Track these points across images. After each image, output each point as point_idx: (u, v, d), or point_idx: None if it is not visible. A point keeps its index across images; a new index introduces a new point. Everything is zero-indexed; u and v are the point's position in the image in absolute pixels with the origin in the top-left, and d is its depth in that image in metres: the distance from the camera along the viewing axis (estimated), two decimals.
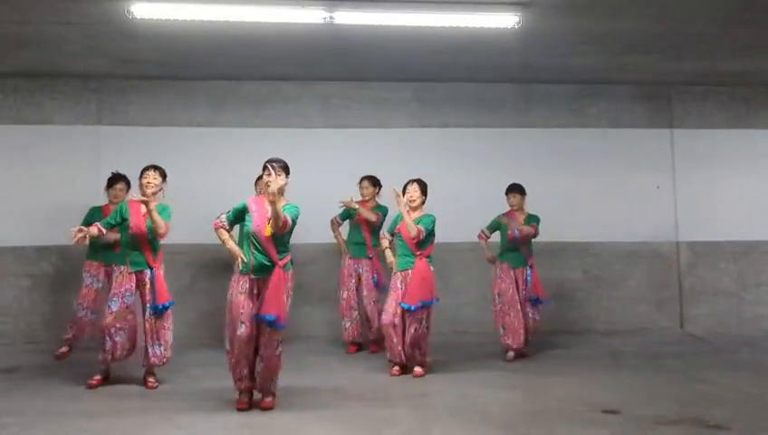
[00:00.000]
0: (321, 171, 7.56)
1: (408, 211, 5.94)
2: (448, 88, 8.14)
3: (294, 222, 4.85)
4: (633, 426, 4.53)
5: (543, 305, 6.71)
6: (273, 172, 4.75)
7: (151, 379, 5.59)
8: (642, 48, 6.81)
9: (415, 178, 6.11)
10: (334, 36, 6.30)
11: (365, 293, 6.92)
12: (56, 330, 7.37)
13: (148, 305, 5.51)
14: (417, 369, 5.90)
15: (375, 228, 6.92)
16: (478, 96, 8.20)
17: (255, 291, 4.86)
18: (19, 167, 7.55)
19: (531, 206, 6.81)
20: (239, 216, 4.97)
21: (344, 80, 7.96)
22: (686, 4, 5.63)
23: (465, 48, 6.72)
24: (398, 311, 5.88)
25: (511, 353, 6.56)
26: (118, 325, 5.42)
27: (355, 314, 6.94)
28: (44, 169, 7.54)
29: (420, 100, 8.14)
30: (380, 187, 7.08)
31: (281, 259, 4.85)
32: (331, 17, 5.62)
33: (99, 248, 6.46)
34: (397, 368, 5.93)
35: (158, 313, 5.50)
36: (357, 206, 6.89)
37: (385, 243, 6.20)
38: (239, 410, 4.87)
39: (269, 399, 4.94)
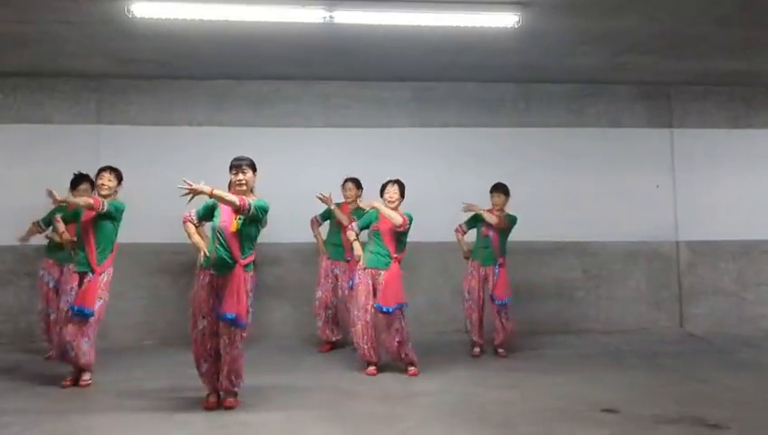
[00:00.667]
0: (320, 170, 7.57)
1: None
2: (448, 87, 8.14)
3: (260, 215, 4.81)
4: (632, 425, 4.53)
5: (506, 305, 6.63)
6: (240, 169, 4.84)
7: (85, 376, 5.51)
8: (642, 48, 6.81)
9: (394, 178, 6.08)
10: (334, 36, 6.30)
11: (340, 294, 6.90)
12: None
13: (71, 305, 5.37)
14: (412, 369, 5.89)
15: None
16: (478, 96, 8.20)
17: (215, 286, 4.85)
18: (19, 166, 7.57)
19: (531, 205, 6.83)
20: (209, 212, 4.96)
21: (344, 79, 7.96)
22: (685, 3, 5.64)
23: (464, 48, 6.72)
24: (370, 309, 5.85)
25: (477, 349, 6.62)
26: (62, 326, 5.41)
27: (329, 313, 6.93)
28: (44, 169, 7.53)
29: (420, 99, 8.14)
30: (362, 190, 7.03)
31: (243, 258, 4.84)
32: (330, 17, 5.63)
33: (54, 247, 6.50)
34: (372, 367, 5.91)
35: (76, 315, 5.34)
36: (332, 206, 6.88)
37: (352, 235, 6.05)
38: (205, 408, 4.86)
39: (231, 399, 4.92)
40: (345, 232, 6.78)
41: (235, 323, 4.75)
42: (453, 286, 7.59)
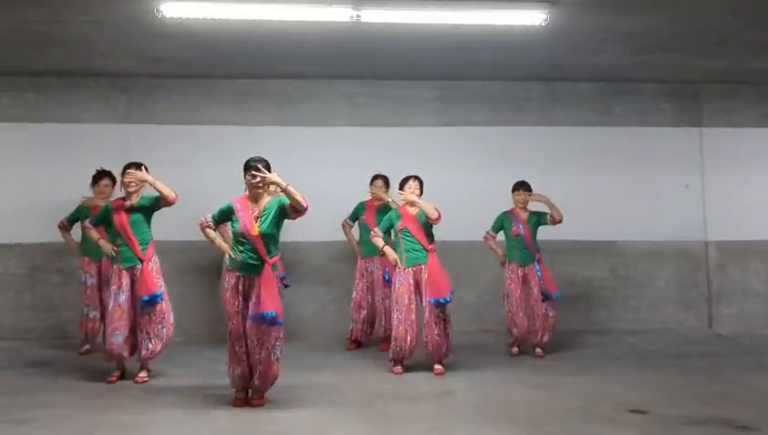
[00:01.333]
0: (343, 169, 7.59)
1: (410, 203, 5.92)
2: (473, 86, 8.11)
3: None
4: (659, 426, 4.50)
5: (557, 300, 6.63)
6: (259, 171, 4.82)
7: (142, 373, 5.61)
8: (669, 45, 6.73)
9: (413, 174, 6.08)
10: (359, 34, 6.31)
11: (377, 291, 6.92)
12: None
13: (138, 299, 5.51)
14: (439, 367, 5.89)
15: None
16: (503, 94, 8.16)
17: (241, 288, 4.87)
18: (48, 164, 7.67)
19: (558, 204, 6.78)
20: (225, 216, 4.99)
21: (368, 78, 7.97)
22: (713, 0, 5.56)
23: (490, 46, 6.70)
24: (414, 308, 5.84)
25: (515, 349, 6.61)
26: (113, 326, 5.49)
27: (363, 313, 6.95)
28: (74, 167, 7.62)
29: (444, 98, 8.13)
30: (389, 187, 7.06)
31: (271, 257, 4.88)
32: (357, 16, 5.63)
33: (90, 245, 6.55)
34: (400, 367, 5.92)
35: (146, 305, 5.49)
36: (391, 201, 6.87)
37: (380, 242, 6.03)
38: (234, 406, 4.89)
39: (260, 397, 4.95)
40: (370, 228, 6.86)
41: (274, 321, 4.76)
42: (478, 285, 7.58)
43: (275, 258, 4.96)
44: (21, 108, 7.74)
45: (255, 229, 4.84)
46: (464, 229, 6.94)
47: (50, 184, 7.58)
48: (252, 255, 4.85)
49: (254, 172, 4.82)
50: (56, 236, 7.54)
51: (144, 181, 5.51)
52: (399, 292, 5.89)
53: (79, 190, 7.54)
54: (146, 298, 5.46)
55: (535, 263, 6.59)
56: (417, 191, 5.99)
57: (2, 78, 7.66)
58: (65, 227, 6.81)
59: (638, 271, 8.12)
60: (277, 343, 4.85)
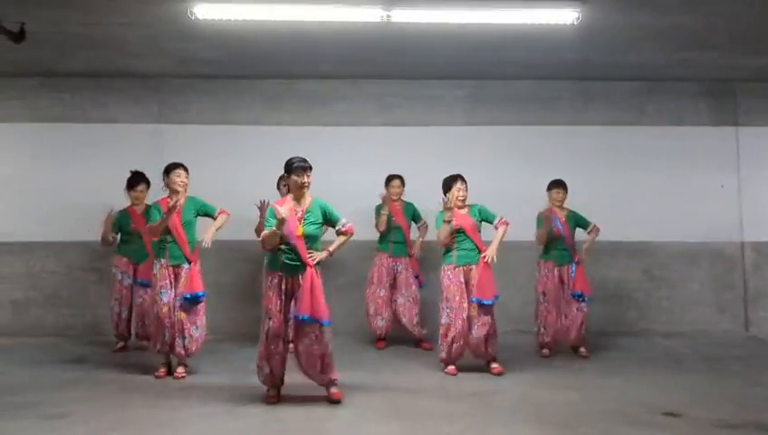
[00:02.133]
0: (373, 169, 7.59)
1: (456, 207, 5.90)
2: (504, 85, 8.07)
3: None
4: (694, 429, 4.44)
5: (586, 303, 6.55)
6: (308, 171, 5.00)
7: (180, 369, 5.74)
8: (704, 43, 6.62)
9: (455, 173, 6.05)
10: (389, 34, 6.31)
11: (403, 290, 6.93)
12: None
13: (179, 297, 5.63)
14: (496, 365, 5.86)
15: (410, 226, 7.08)
16: (534, 93, 8.10)
17: (284, 288, 4.92)
18: (84, 164, 7.81)
19: (589, 205, 6.74)
20: (270, 222, 5.00)
21: (398, 78, 7.97)
22: None
23: (522, 45, 6.66)
24: (465, 307, 5.81)
25: (546, 350, 6.57)
26: (163, 322, 5.62)
27: (389, 311, 6.95)
28: (108, 167, 7.76)
29: (475, 97, 8.10)
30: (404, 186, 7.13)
31: (312, 259, 4.92)
32: (388, 16, 5.64)
33: (128, 244, 6.76)
34: (453, 367, 5.90)
35: (188, 303, 5.62)
36: (386, 208, 6.94)
37: (446, 230, 5.82)
38: (269, 403, 4.94)
39: (336, 389, 5.01)
40: (406, 229, 7.01)
41: (321, 322, 4.84)
42: (511, 286, 7.51)
43: (322, 256, 4.99)
44: (58, 108, 7.90)
45: (299, 230, 4.89)
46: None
47: (86, 183, 7.73)
48: (292, 256, 4.90)
49: (296, 176, 4.92)
50: (93, 235, 7.69)
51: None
52: (450, 290, 5.84)
53: (114, 190, 7.66)
54: (189, 296, 5.59)
55: (572, 264, 6.54)
56: (465, 193, 5.97)
57: (40, 79, 7.82)
58: (113, 238, 6.83)
59: (672, 272, 8.00)
60: (329, 340, 4.94)
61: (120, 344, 6.88)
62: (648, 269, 7.98)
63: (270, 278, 4.95)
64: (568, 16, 5.68)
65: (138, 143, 7.84)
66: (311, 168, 5.01)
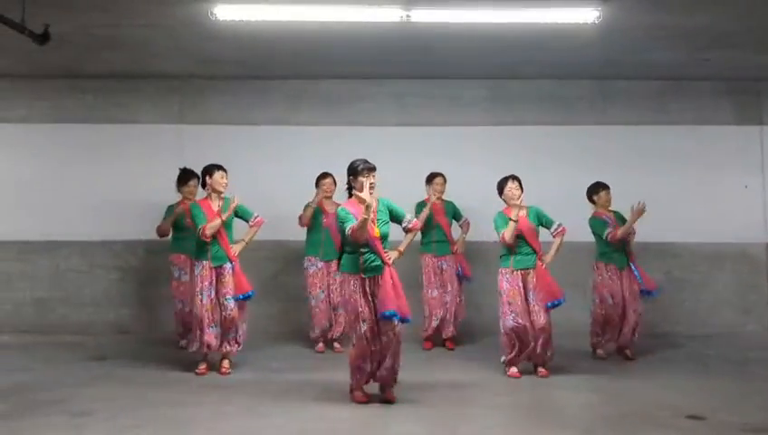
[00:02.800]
0: (394, 169, 7.52)
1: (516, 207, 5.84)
2: (524, 85, 8.03)
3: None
4: (718, 433, 4.39)
5: (653, 296, 6.60)
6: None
7: (225, 363, 5.86)
8: (728, 42, 6.54)
9: (509, 174, 5.98)
10: (409, 34, 6.31)
11: (448, 288, 6.91)
12: (143, 321, 7.73)
13: (227, 296, 5.73)
14: (543, 369, 5.82)
15: (451, 224, 7.02)
16: (555, 93, 8.05)
17: (368, 289, 4.94)
18: (107, 164, 7.89)
19: (612, 205, 6.68)
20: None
21: (418, 77, 7.96)
22: None
23: (542, 44, 6.62)
24: (528, 310, 5.73)
25: (601, 351, 6.54)
26: (209, 318, 5.70)
27: (440, 312, 6.92)
28: (130, 167, 7.86)
29: (495, 97, 8.06)
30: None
31: (389, 257, 4.95)
32: (407, 15, 5.63)
33: (184, 241, 6.75)
34: (517, 369, 5.82)
35: (238, 303, 5.77)
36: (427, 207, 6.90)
37: (511, 229, 5.73)
38: (360, 403, 4.97)
39: (392, 390, 5.05)
40: (447, 227, 6.98)
41: (402, 319, 4.87)
42: None
43: (395, 256, 5.03)
44: (81, 109, 7.98)
45: (376, 231, 4.93)
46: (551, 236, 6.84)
47: (109, 183, 7.82)
48: (373, 256, 4.93)
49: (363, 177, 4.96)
50: (115, 235, 7.80)
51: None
52: (511, 295, 5.77)
53: (137, 189, 7.76)
54: (240, 296, 5.75)
55: (631, 264, 6.51)
56: (519, 192, 5.87)
57: (64, 80, 7.92)
58: (167, 228, 6.91)
59: (696, 273, 7.91)
60: (400, 338, 4.99)
61: (186, 341, 6.76)
62: (671, 270, 7.89)
63: (351, 282, 4.96)
64: (588, 15, 5.63)
65: (159, 143, 7.91)
66: (375, 168, 5.03)
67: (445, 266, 6.95)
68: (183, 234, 6.80)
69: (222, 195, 5.90)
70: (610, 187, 6.67)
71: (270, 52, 6.97)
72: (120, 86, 7.98)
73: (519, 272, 5.81)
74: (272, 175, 7.61)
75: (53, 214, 7.81)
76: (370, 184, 4.93)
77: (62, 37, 6.07)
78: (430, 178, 7.06)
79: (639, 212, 6.35)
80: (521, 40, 6.45)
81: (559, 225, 5.92)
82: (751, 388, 5.48)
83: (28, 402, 5.01)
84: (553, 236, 5.93)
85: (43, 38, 5.75)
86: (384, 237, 5.00)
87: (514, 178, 5.94)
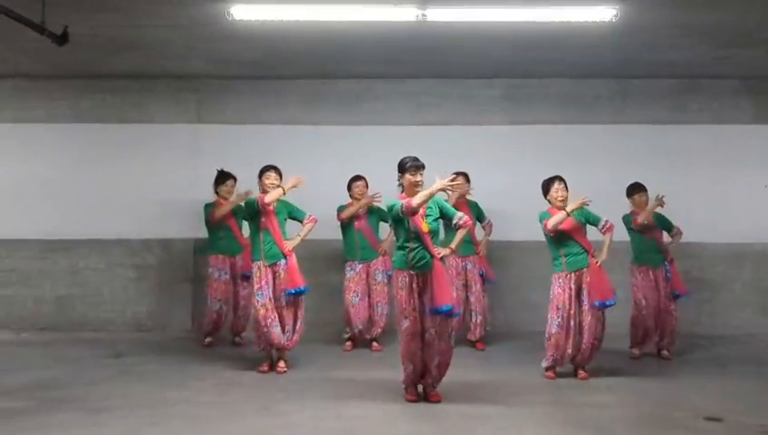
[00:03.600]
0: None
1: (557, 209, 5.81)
2: (541, 84, 7.99)
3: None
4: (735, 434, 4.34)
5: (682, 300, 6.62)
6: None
7: (281, 363, 5.89)
8: (747, 40, 6.47)
9: (554, 175, 5.93)
10: (425, 34, 6.30)
11: (473, 288, 6.90)
12: (160, 319, 7.80)
13: (283, 292, 5.77)
14: (583, 372, 5.77)
15: (476, 225, 6.93)
16: (572, 92, 8.01)
17: (416, 286, 4.94)
18: (125, 164, 7.96)
19: (628, 204, 6.64)
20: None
21: (434, 77, 7.95)
22: None
23: (559, 43, 6.59)
24: (575, 314, 5.67)
25: (636, 351, 6.56)
26: (271, 316, 5.74)
27: (460, 310, 6.89)
28: (148, 166, 7.92)
29: (512, 96, 8.03)
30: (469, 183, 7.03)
31: (438, 252, 4.97)
32: (423, 15, 5.63)
33: (221, 241, 6.86)
34: (553, 372, 5.79)
35: (292, 298, 5.78)
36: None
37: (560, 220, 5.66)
38: (409, 401, 4.98)
39: (438, 394, 5.05)
40: (471, 228, 6.82)
41: (452, 313, 4.88)
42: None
43: (446, 252, 5.07)
44: (98, 109, 8.05)
45: (425, 226, 4.94)
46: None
47: (126, 182, 7.89)
48: (424, 252, 4.93)
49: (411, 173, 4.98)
50: (132, 233, 7.87)
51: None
52: (561, 300, 5.71)
53: (154, 188, 7.82)
54: (293, 291, 5.75)
55: (665, 264, 6.51)
56: (566, 193, 5.81)
57: (81, 81, 7.99)
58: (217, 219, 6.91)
59: (714, 274, 7.84)
60: (452, 332, 5.00)
61: (210, 340, 6.99)
62: (689, 270, 7.79)
63: (400, 278, 4.97)
64: (606, 14, 5.61)
65: (176, 143, 7.97)
66: (423, 166, 5.03)
67: (469, 267, 6.93)
68: (220, 234, 6.91)
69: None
70: (624, 186, 6.67)
71: (286, 51, 7.00)
72: (137, 86, 8.04)
73: (572, 274, 5.72)
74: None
75: (72, 212, 7.89)
76: (416, 182, 4.98)
77: (80, 38, 6.13)
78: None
79: (659, 202, 6.38)
80: (537, 39, 6.43)
81: (606, 221, 5.82)
82: None
83: (46, 399, 5.06)
84: (603, 233, 5.81)
85: (62, 39, 5.82)
86: (433, 233, 5.00)
87: (560, 178, 5.87)
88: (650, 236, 6.52)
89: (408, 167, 5.00)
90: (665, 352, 6.53)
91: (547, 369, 5.80)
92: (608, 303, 5.65)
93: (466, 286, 6.92)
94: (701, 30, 6.21)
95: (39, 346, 7.03)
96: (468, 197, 7.00)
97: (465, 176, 6.98)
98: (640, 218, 6.40)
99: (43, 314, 7.85)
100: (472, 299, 6.89)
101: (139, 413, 4.74)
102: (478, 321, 6.88)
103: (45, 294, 7.89)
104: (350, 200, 6.92)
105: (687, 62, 7.25)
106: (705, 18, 5.90)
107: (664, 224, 6.64)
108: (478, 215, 7.05)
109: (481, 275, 6.93)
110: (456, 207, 6.82)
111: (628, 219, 6.57)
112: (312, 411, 4.80)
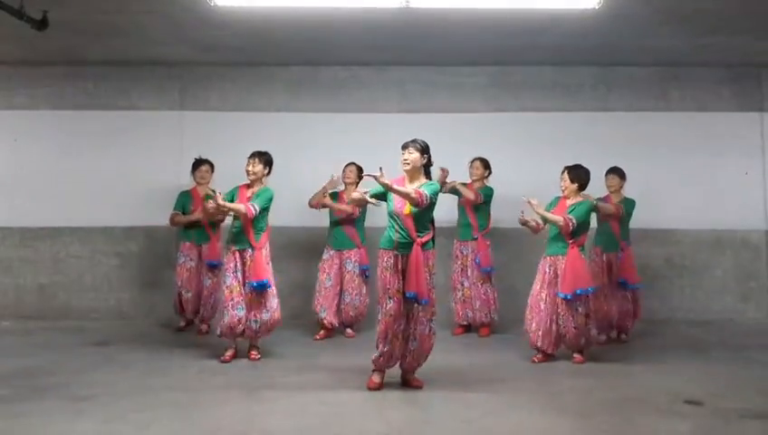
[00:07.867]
0: (394, 156, 7.53)
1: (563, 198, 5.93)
2: (525, 72, 8.00)
3: (432, 199, 4.91)
4: (717, 419, 4.40)
5: (636, 290, 6.65)
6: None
7: (253, 352, 5.88)
8: (729, 28, 6.50)
9: (569, 164, 5.98)
10: (410, 21, 6.28)
11: (468, 273, 6.92)
12: (143, 307, 7.76)
13: (246, 282, 5.74)
14: (578, 356, 5.82)
15: (479, 209, 6.95)
16: (556, 80, 8.03)
17: (400, 267, 4.94)
18: (108, 151, 7.89)
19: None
20: (382, 194, 5.04)
21: (420, 64, 7.93)
22: None
23: (543, 31, 6.59)
24: (545, 297, 5.78)
25: (601, 336, 6.54)
26: (236, 299, 5.71)
27: (459, 295, 6.96)
28: (131, 154, 7.87)
29: (497, 84, 8.03)
30: (490, 171, 7.06)
31: (420, 237, 4.93)
32: (407, 1, 5.61)
33: (190, 231, 6.93)
34: (540, 355, 5.84)
35: (255, 290, 5.73)
36: (458, 185, 6.89)
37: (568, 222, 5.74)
38: (371, 389, 4.96)
39: (415, 377, 5.07)
40: (471, 211, 6.95)
41: (417, 300, 4.86)
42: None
43: (426, 238, 4.97)
44: (82, 96, 7.97)
45: (407, 209, 4.93)
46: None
47: (109, 169, 7.84)
48: (404, 234, 4.93)
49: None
50: (115, 221, 7.83)
51: (224, 207, 5.70)
52: (536, 281, 5.89)
53: (137, 176, 7.77)
54: (254, 284, 5.70)
55: (619, 251, 6.57)
56: (568, 183, 5.92)
57: (64, 67, 7.90)
58: (178, 217, 6.96)
59: (696, 260, 7.92)
60: (432, 317, 5.00)
61: (183, 323, 7.10)
62: (671, 257, 7.91)
63: (385, 258, 4.96)
64: (589, 1, 5.61)
65: (160, 130, 7.92)
66: (407, 145, 5.08)
67: (466, 252, 6.96)
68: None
69: (257, 180, 5.91)
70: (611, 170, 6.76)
71: (270, 38, 6.95)
72: (120, 73, 7.96)
73: (548, 258, 5.86)
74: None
75: (54, 200, 7.83)
76: (404, 160, 5.03)
77: (61, 24, 6.06)
78: (472, 161, 7.10)
79: (617, 207, 6.54)
80: (522, 26, 6.43)
81: (571, 220, 5.75)
82: (749, 374, 5.50)
83: (29, 387, 5.03)
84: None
85: (42, 24, 5.75)
86: (417, 216, 4.93)
87: (565, 168, 6.03)
88: (605, 219, 6.55)
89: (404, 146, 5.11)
90: (623, 336, 6.66)
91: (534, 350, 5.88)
92: (562, 295, 5.66)
93: (462, 271, 6.95)
94: (683, 18, 6.23)
95: (21, 334, 6.99)
96: (485, 182, 7.05)
97: (484, 161, 7.02)
98: (602, 214, 6.45)
99: (26, 303, 7.79)
100: (467, 284, 6.91)
101: (124, 401, 4.73)
102: (476, 306, 6.88)
103: (27, 283, 7.83)
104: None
105: (670, 49, 7.29)
106: (688, 6, 5.92)
107: (628, 208, 6.65)
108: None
109: (476, 263, 6.90)
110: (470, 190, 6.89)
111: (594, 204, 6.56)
112: (296, 398, 4.81)
